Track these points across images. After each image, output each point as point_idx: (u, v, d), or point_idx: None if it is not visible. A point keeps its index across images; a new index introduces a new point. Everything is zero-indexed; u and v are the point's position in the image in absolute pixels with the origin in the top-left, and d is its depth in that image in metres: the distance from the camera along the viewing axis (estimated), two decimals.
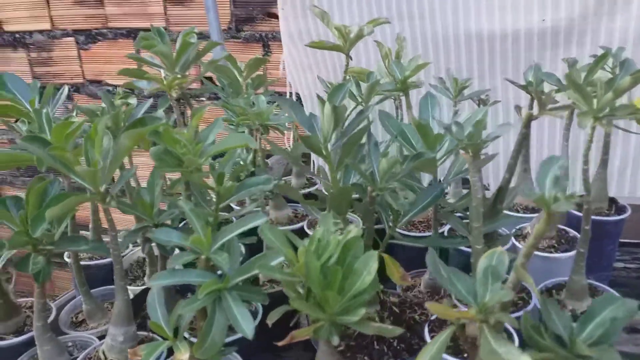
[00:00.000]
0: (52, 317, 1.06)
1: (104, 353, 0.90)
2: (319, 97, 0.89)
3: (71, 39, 2.81)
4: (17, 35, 2.94)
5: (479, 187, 0.83)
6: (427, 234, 1.28)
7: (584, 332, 0.56)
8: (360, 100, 1.26)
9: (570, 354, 0.55)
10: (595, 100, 0.75)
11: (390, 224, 0.93)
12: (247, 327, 0.72)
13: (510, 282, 0.60)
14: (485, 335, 0.56)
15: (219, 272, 0.79)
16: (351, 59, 1.19)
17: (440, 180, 0.97)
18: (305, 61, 1.98)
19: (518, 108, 0.88)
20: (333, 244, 0.70)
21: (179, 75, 1.06)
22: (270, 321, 0.79)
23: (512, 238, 1.20)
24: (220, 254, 0.76)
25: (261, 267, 0.71)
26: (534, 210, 1.35)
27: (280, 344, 0.75)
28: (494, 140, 0.79)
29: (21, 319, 1.04)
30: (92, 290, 1.13)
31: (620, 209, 1.31)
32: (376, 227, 0.94)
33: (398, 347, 0.94)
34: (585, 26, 1.51)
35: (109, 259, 1.27)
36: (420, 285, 1.14)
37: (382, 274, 1.06)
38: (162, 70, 1.15)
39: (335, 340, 0.72)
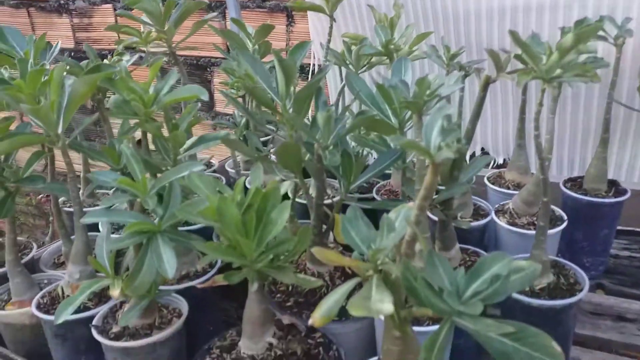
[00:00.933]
0: (32, 255, 1.12)
1: (62, 289, 0.95)
2: (275, 53, 0.89)
3: (109, 5, 2.91)
4: (61, 2, 3.07)
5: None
6: None
7: (469, 288, 0.54)
8: (349, 64, 1.24)
9: (451, 309, 0.53)
10: (544, 61, 0.71)
11: (343, 188, 0.92)
12: (170, 268, 0.73)
13: (408, 234, 0.58)
14: (371, 282, 0.55)
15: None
16: (335, 21, 1.17)
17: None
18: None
19: (477, 71, 0.84)
20: (252, 194, 0.70)
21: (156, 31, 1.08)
22: (200, 265, 0.80)
23: (493, 213, 1.16)
24: (151, 197, 0.78)
25: (181, 211, 0.72)
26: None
27: (200, 285, 0.77)
28: (437, 99, 0.76)
29: (1, 254, 1.11)
30: None
31: (620, 192, 1.23)
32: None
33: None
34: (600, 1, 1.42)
35: (95, 208, 1.33)
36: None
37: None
38: (152, 28, 1.18)
39: (254, 287, 0.73)
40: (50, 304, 0.94)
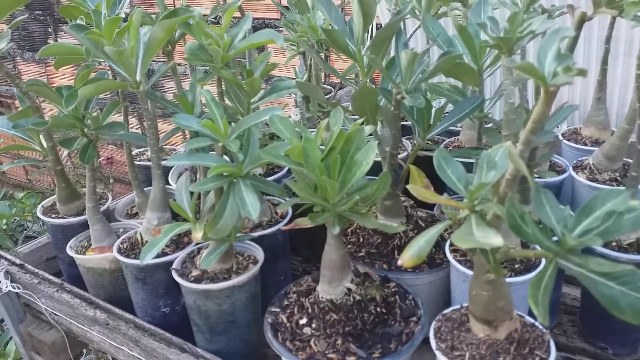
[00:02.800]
0: (107, 205, 1.16)
1: (140, 235, 0.98)
2: None
3: None
4: None
5: (512, 92, 0.76)
6: None
7: (578, 226, 0.51)
8: (418, 14, 1.19)
9: (559, 248, 0.51)
10: None
11: (420, 135, 0.90)
12: (253, 210, 0.74)
13: (508, 173, 0.55)
14: (470, 220, 0.53)
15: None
16: None
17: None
18: None
19: (570, 8, 0.79)
20: (335, 134, 0.69)
21: None
22: (280, 209, 0.81)
23: (571, 169, 1.11)
24: (234, 141, 0.78)
25: (265, 153, 0.72)
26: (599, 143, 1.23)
27: (284, 228, 0.77)
28: (530, 36, 0.72)
29: (81, 203, 1.15)
30: (147, 189, 1.21)
31: None
32: None
33: None
34: None
35: (164, 162, 1.35)
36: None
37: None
38: None
39: (336, 230, 0.73)
40: (130, 249, 0.97)
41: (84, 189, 1.21)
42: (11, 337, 1.82)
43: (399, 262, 0.60)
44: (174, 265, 0.90)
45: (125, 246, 0.98)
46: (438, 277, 0.92)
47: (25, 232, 2.87)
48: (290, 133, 0.73)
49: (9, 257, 1.20)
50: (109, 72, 0.98)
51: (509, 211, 0.51)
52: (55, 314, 1.12)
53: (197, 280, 0.86)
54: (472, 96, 0.90)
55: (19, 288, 1.15)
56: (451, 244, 0.88)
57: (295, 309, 0.81)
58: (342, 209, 0.69)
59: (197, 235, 0.79)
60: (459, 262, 0.83)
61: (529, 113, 0.92)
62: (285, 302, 0.83)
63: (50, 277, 1.13)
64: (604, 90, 1.22)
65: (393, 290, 0.84)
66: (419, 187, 0.55)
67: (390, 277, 0.88)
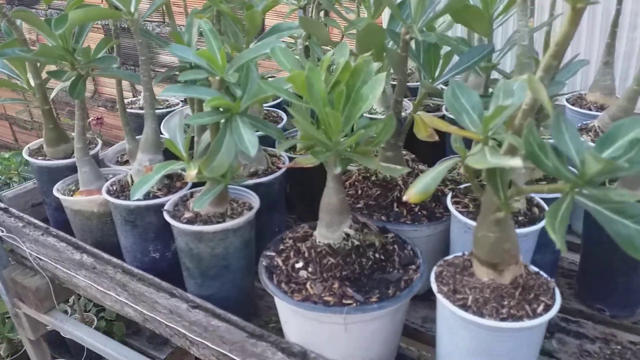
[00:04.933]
0: (97, 149, 1.11)
1: (131, 177, 0.94)
2: None
3: None
4: None
5: (525, 34, 0.73)
6: None
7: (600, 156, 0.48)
8: None
9: (578, 179, 0.48)
10: None
11: (428, 80, 0.86)
12: (252, 146, 0.70)
13: (525, 103, 0.52)
14: (484, 150, 0.50)
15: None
16: None
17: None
18: None
19: None
20: (341, 67, 0.65)
21: None
22: (279, 149, 0.77)
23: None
24: (233, 74, 0.74)
25: (267, 85, 0.68)
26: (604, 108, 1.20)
27: (283, 167, 0.74)
28: None
29: (69, 146, 1.11)
30: (139, 137, 1.17)
31: None
32: None
33: (419, 213, 0.90)
34: None
35: (166, 110, 1.31)
36: (460, 168, 1.07)
37: (420, 149, 1.01)
38: None
39: (338, 170, 0.69)
40: (120, 191, 0.94)
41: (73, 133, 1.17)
42: None
43: (404, 197, 0.57)
44: (165, 207, 0.86)
45: (115, 188, 0.95)
46: (437, 231, 0.90)
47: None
48: (293, 65, 0.70)
49: None
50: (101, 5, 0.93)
51: (527, 139, 0.48)
52: (40, 259, 1.09)
53: (190, 221, 0.83)
54: (481, 45, 0.87)
55: (2, 232, 1.11)
56: (453, 196, 0.86)
57: (292, 253, 0.78)
58: (345, 146, 0.66)
59: (192, 173, 0.76)
60: (461, 213, 0.81)
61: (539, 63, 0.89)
62: (281, 247, 0.80)
63: (36, 221, 1.10)
64: (612, 53, 1.19)
65: (391, 239, 0.82)
66: (432, 117, 0.52)
67: (389, 229, 0.85)
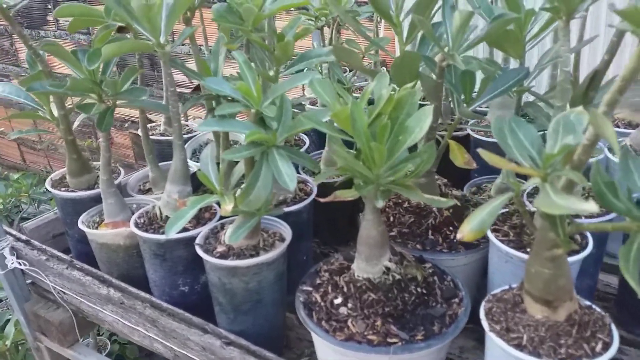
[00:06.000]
0: (120, 179, 1.10)
1: (159, 209, 0.93)
2: None
3: None
4: None
5: (568, 59, 0.71)
6: None
7: None
8: None
9: None
10: None
11: (461, 106, 0.84)
12: (290, 180, 0.69)
13: (586, 138, 0.50)
14: (546, 189, 0.49)
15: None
16: None
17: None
18: None
19: None
20: (384, 99, 0.63)
21: None
22: (316, 181, 0.76)
23: (606, 150, 1.06)
24: (269, 107, 0.72)
25: (307, 118, 0.66)
26: (636, 126, 1.18)
27: (323, 200, 0.72)
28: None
29: (92, 177, 1.09)
30: (161, 164, 1.15)
31: None
32: None
33: (455, 241, 0.88)
34: None
35: (185, 136, 1.30)
36: (490, 190, 1.05)
37: (445, 169, 0.99)
38: None
39: (380, 204, 0.68)
40: (149, 224, 0.92)
41: (95, 162, 1.16)
42: (9, 319, 1.77)
43: (458, 236, 0.55)
44: (197, 241, 0.85)
45: (142, 221, 0.93)
46: (473, 259, 0.88)
47: (20, 213, 2.79)
48: (332, 98, 0.68)
49: (14, 232, 1.14)
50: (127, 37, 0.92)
51: (595, 178, 0.46)
52: (64, 293, 1.07)
53: (223, 256, 0.81)
54: (517, 67, 0.85)
55: (25, 265, 1.09)
56: (494, 223, 0.84)
57: (329, 288, 0.76)
58: (389, 179, 0.64)
59: (228, 207, 0.74)
60: (502, 242, 0.79)
61: (575, 86, 0.88)
62: (318, 281, 0.78)
63: (59, 254, 1.08)
64: None
65: (430, 270, 0.80)
66: (495, 156, 0.50)
67: (426, 258, 0.83)
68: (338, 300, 0.74)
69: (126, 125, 3.55)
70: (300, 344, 0.94)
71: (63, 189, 1.08)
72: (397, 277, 0.73)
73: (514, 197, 0.57)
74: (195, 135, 1.31)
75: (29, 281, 1.16)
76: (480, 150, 0.50)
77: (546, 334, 0.59)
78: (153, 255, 0.90)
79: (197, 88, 0.92)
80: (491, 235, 0.81)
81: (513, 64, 0.97)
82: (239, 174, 0.81)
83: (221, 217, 0.92)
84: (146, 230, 0.90)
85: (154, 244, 0.88)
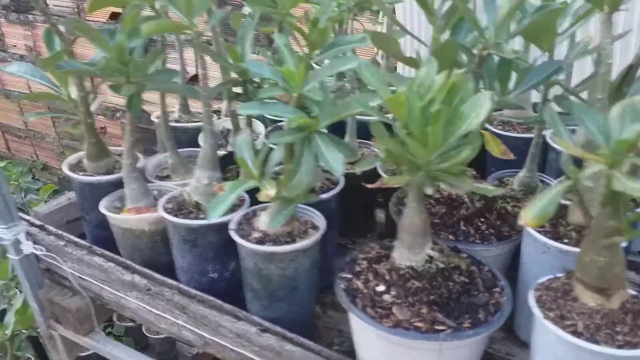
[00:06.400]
0: (138, 164, 1.08)
1: (188, 194, 0.91)
2: None
3: None
4: None
5: (609, 52, 0.71)
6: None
7: None
8: None
9: None
10: None
11: (505, 95, 0.84)
12: (336, 163, 0.68)
13: None
14: (617, 176, 0.48)
15: None
16: None
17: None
18: None
19: None
20: (437, 85, 0.63)
21: None
22: (359, 168, 0.75)
23: None
24: (314, 90, 0.71)
25: (357, 101, 0.65)
26: None
27: (370, 186, 0.72)
28: None
29: (111, 161, 1.07)
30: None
31: None
32: None
33: (486, 232, 0.88)
34: None
35: (193, 124, 1.28)
36: (513, 184, 1.05)
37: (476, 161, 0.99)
38: None
39: (430, 191, 0.67)
40: (178, 209, 0.90)
41: (112, 147, 1.13)
42: (4, 309, 1.72)
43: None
44: (230, 226, 0.83)
45: (171, 206, 0.91)
46: (505, 250, 0.88)
47: None
48: (380, 83, 0.67)
49: (28, 217, 1.11)
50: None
51: None
52: (82, 279, 1.04)
53: (260, 242, 0.80)
54: (550, 61, 0.85)
55: (41, 250, 1.07)
56: None
57: (370, 276, 0.75)
58: (442, 166, 0.64)
59: (270, 192, 0.73)
60: (539, 233, 0.79)
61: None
62: (357, 269, 0.77)
63: (77, 239, 1.06)
64: None
65: (468, 260, 0.80)
66: (561, 140, 0.50)
67: (460, 248, 0.83)
68: (380, 288, 0.73)
69: (117, 114, 3.48)
70: (330, 333, 0.93)
71: (81, 173, 1.06)
72: (441, 265, 0.73)
73: (573, 185, 0.57)
74: None
75: (42, 267, 1.13)
76: (556, 139, 0.49)
77: (602, 322, 0.59)
78: (182, 241, 0.88)
79: (194, 78, 0.90)
80: (527, 227, 0.81)
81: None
82: (275, 161, 0.80)
83: (251, 204, 0.90)
84: (176, 216, 0.88)
85: (185, 230, 0.87)
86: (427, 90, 0.64)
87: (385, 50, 0.82)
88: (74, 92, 1.01)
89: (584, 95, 0.85)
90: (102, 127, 3.26)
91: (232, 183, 0.76)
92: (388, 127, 0.67)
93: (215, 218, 0.73)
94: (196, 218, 0.87)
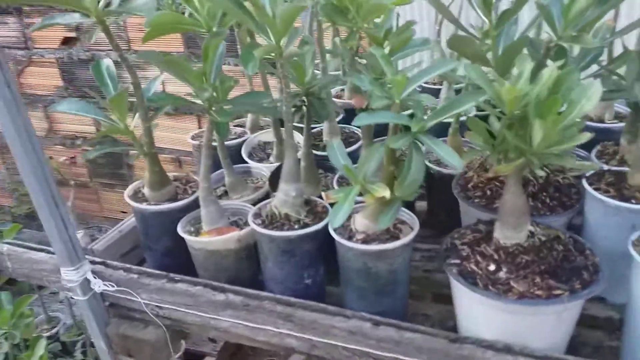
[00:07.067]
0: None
1: (276, 207, 0.94)
2: None
3: None
4: None
5: None
6: None
7: None
8: None
9: None
10: None
11: None
12: (454, 160, 0.74)
13: None
14: None
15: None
16: None
17: None
18: None
19: None
20: (546, 76, 0.71)
21: None
22: (466, 158, 0.81)
23: None
24: (415, 98, 0.78)
25: (466, 99, 0.72)
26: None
27: (470, 175, 0.78)
28: None
29: (172, 188, 1.08)
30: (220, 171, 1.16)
31: None
32: None
33: (551, 204, 0.98)
34: None
35: (236, 141, 1.30)
36: None
37: None
38: None
39: (541, 172, 0.75)
40: (270, 223, 0.93)
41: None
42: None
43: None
44: (333, 232, 0.88)
45: (261, 221, 0.94)
46: (569, 218, 0.98)
47: None
48: (486, 82, 0.74)
49: (88, 256, 1.09)
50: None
51: None
52: (160, 308, 1.04)
53: (366, 242, 0.85)
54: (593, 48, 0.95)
55: (113, 286, 1.05)
56: (590, 184, 0.94)
57: (478, 257, 0.82)
58: (553, 149, 0.72)
59: (385, 193, 0.78)
60: (609, 197, 0.89)
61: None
62: (463, 254, 0.84)
63: (150, 270, 1.05)
64: None
65: (559, 231, 0.88)
66: None
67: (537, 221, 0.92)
68: (492, 267, 0.80)
69: (78, 142, 3.35)
70: (417, 318, 0.99)
71: (145, 203, 1.06)
72: (543, 238, 0.81)
73: None
74: (245, 138, 1.32)
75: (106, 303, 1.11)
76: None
77: None
78: (281, 253, 0.91)
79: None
80: (595, 193, 0.91)
81: None
82: (370, 161, 0.84)
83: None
84: (271, 229, 0.91)
85: (284, 241, 0.90)
86: (536, 84, 0.72)
87: (462, 52, 0.88)
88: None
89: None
90: (71, 157, 3.13)
91: (342, 190, 0.81)
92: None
93: (338, 224, 0.77)
94: (291, 229, 0.91)
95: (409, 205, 1.28)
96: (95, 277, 1.06)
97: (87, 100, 1.03)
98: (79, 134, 3.31)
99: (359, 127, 1.33)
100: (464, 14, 1.48)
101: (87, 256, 1.09)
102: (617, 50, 1.06)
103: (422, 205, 1.26)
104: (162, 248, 1.07)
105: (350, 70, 0.96)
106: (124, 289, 1.05)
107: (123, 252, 1.19)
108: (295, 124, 1.05)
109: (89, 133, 3.25)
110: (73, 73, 3.10)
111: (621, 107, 1.27)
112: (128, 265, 1.07)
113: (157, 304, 1.04)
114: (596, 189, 0.92)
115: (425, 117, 0.78)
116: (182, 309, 1.02)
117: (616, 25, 1.06)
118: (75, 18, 0.85)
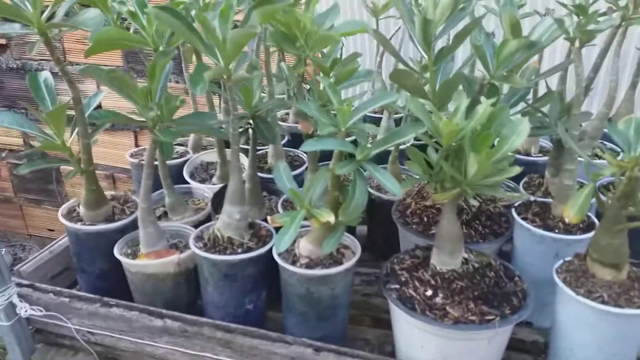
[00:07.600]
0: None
1: (219, 230, 0.93)
2: None
3: None
4: None
5: (583, 77, 0.91)
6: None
7: None
8: None
9: None
10: None
11: None
12: (394, 187, 0.77)
13: None
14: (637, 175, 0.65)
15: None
16: None
17: None
18: None
19: (610, 10, 0.96)
20: (480, 112, 0.75)
21: None
22: (404, 187, 0.84)
23: None
24: (360, 127, 0.80)
25: (407, 130, 0.76)
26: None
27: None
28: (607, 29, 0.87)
29: (109, 207, 1.04)
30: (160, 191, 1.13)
31: None
32: None
33: (483, 232, 1.03)
34: None
35: (177, 160, 1.28)
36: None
37: None
38: None
39: (476, 202, 0.79)
40: (212, 246, 0.92)
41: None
42: None
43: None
44: (277, 257, 0.88)
45: (203, 244, 0.92)
46: (499, 245, 1.04)
47: None
48: (424, 115, 0.78)
49: (14, 278, 1.03)
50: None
51: None
52: (91, 334, 1.00)
53: (309, 266, 0.86)
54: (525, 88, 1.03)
55: (41, 311, 1.00)
56: (519, 213, 1.00)
57: (416, 283, 0.85)
58: (486, 181, 0.76)
59: (330, 218, 0.80)
60: (535, 226, 0.96)
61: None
62: (402, 279, 0.87)
63: (82, 293, 1.01)
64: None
65: (490, 257, 0.93)
66: (601, 146, 0.65)
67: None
68: (429, 292, 0.84)
69: (3, 154, 3.16)
70: (355, 343, 1.01)
71: (80, 223, 1.01)
72: (476, 265, 0.86)
73: (592, 186, 0.73)
74: (188, 159, 1.30)
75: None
76: (597, 150, 0.64)
77: (620, 290, 0.76)
78: (223, 277, 0.90)
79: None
80: (523, 222, 0.97)
81: None
82: (316, 190, 0.86)
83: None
84: (213, 253, 0.90)
85: (227, 266, 0.89)
86: (469, 119, 0.77)
87: (402, 85, 0.92)
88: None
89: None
90: None
91: (288, 214, 0.81)
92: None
93: (283, 249, 0.78)
94: (234, 253, 0.90)
95: (350, 230, 1.32)
96: (21, 301, 1.00)
97: (14, 111, 0.98)
98: (4, 146, 3.12)
99: (305, 152, 1.35)
100: (403, 46, 1.56)
101: (13, 278, 1.03)
102: (542, 90, 1.15)
103: (362, 229, 1.28)
104: (97, 270, 1.03)
105: (296, 95, 0.98)
106: (53, 313, 1.00)
107: (54, 273, 1.13)
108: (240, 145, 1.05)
109: (15, 146, 3.07)
110: (1, 82, 2.93)
111: (545, 142, 1.36)
112: (58, 288, 1.02)
113: (88, 330, 1.00)
114: (524, 219, 0.99)
115: (369, 145, 0.81)
116: (116, 335, 0.98)
117: (540, 68, 1.14)
118: (15, 28, 0.82)
